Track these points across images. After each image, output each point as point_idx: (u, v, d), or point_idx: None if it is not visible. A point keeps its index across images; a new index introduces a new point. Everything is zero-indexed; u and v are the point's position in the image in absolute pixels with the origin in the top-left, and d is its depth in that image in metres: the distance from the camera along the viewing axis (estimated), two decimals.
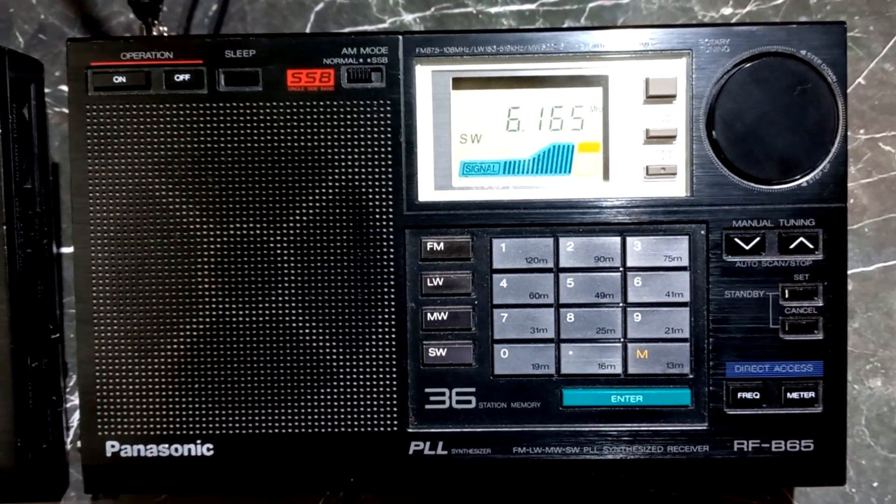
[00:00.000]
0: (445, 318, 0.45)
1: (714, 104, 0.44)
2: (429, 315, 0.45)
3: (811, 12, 0.57)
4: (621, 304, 0.45)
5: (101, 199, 0.45)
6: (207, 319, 0.45)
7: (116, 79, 0.44)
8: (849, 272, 0.53)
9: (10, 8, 0.58)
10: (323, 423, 0.45)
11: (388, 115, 0.44)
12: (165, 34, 0.50)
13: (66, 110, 0.56)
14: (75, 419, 0.56)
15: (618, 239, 0.45)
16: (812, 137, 0.44)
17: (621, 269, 0.45)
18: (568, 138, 0.46)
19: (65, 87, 0.57)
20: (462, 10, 0.58)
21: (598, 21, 0.58)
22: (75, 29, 0.58)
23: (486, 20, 0.58)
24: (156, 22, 0.49)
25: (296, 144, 0.44)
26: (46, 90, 0.54)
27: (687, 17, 0.58)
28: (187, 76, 0.45)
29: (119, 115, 0.45)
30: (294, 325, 0.45)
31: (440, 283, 0.45)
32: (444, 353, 0.45)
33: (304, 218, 0.45)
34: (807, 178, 0.44)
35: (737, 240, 0.44)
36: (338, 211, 0.45)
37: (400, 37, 0.44)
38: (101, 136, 0.45)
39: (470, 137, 0.46)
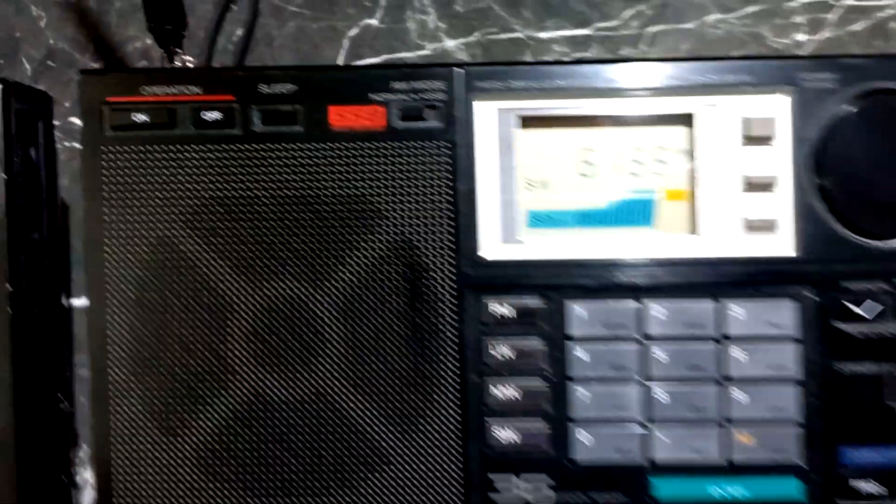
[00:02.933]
0: (514, 393, 0.39)
1: (822, 147, 0.38)
2: (494, 390, 0.39)
3: (888, 38, 0.51)
4: (719, 380, 0.39)
5: (119, 252, 0.39)
6: (241, 394, 0.39)
7: (136, 116, 0.39)
8: None
9: (17, 32, 0.53)
10: None
11: (447, 159, 0.39)
12: (189, 64, 0.45)
13: (76, 145, 0.51)
14: (87, 498, 0.50)
15: (712, 304, 0.39)
16: None
17: (718, 338, 0.39)
18: (650, 185, 0.40)
19: (76, 120, 0.51)
20: (510, 35, 0.53)
21: (658, 47, 0.52)
22: (87, 55, 0.52)
23: (537, 46, 0.53)
24: (178, 50, 0.44)
25: (341, 192, 0.39)
26: (55, 122, 0.49)
27: (757, 44, 0.52)
28: (218, 114, 0.39)
29: (140, 158, 0.39)
30: (340, 400, 0.39)
31: (507, 354, 0.39)
32: (512, 435, 0.38)
33: (351, 277, 0.39)
34: None
35: (851, 305, 0.38)
36: (389, 269, 0.39)
37: (460, 69, 0.39)
38: (120, 181, 0.39)
39: (538, 183, 0.40)
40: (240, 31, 0.52)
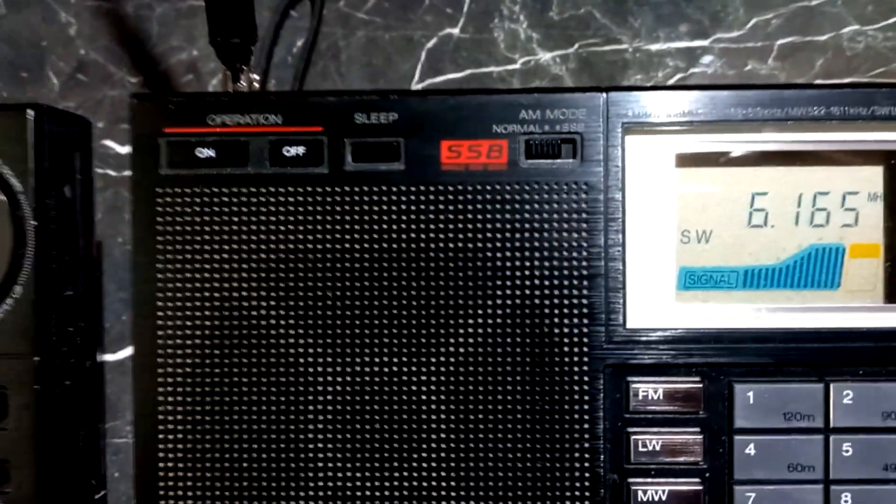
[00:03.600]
0: (665, 498, 0.32)
1: None
2: (641, 494, 0.31)
3: None
4: None
5: (175, 317, 0.31)
6: (322, 492, 0.32)
7: (201, 151, 0.32)
8: None
9: (43, 41, 0.45)
10: None
11: (584, 204, 0.31)
12: (256, 85, 0.37)
13: (111, 172, 0.44)
14: None
15: None
16: None
17: None
18: (836, 238, 0.33)
19: (110, 143, 0.44)
20: (614, 46, 0.45)
21: (789, 62, 0.45)
22: (123, 69, 0.45)
23: (646, 60, 0.46)
24: (244, 68, 0.37)
25: (452, 245, 0.31)
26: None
27: None
28: (301, 149, 0.32)
29: (203, 203, 0.31)
30: (447, 501, 0.32)
31: (657, 448, 0.31)
32: None
33: (460, 350, 0.31)
34: None
35: None
36: (509, 341, 0.31)
37: (603, 95, 0.32)
38: (178, 229, 0.31)
39: (696, 235, 0.33)
40: (300, 42, 0.45)
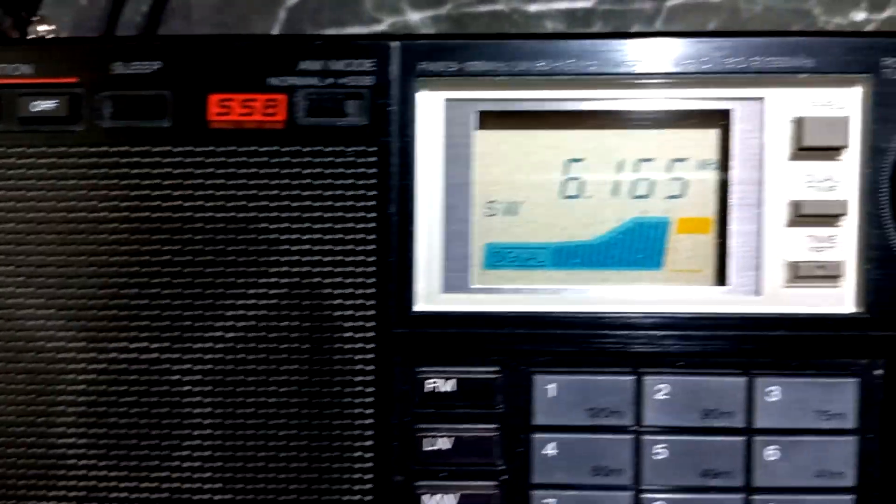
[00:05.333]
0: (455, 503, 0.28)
1: None
2: (427, 499, 0.28)
3: None
4: (743, 491, 0.27)
5: None
6: (74, 492, 0.28)
7: None
8: None
9: None
10: None
11: (373, 171, 0.27)
12: (50, 37, 0.33)
13: None
14: None
15: (742, 381, 0.27)
16: None
17: (746, 431, 0.28)
18: (661, 210, 0.29)
19: None
20: (490, 7, 0.41)
21: (679, 25, 0.41)
22: None
23: (524, 23, 0.41)
24: (34, 19, 0.33)
25: (221, 215, 0.27)
26: None
27: (804, 24, 0.41)
28: (53, 103, 0.28)
29: None
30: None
31: (447, 447, 0.28)
32: None
33: (228, 335, 0.27)
34: None
35: None
36: (283, 325, 0.27)
37: (395, 43, 0.28)
38: None
39: (503, 207, 0.29)
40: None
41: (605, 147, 0.28)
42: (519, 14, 0.42)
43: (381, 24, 0.42)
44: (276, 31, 0.42)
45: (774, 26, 0.41)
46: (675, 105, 0.28)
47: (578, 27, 0.42)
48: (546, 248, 0.28)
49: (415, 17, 0.42)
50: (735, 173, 0.27)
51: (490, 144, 0.28)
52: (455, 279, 0.28)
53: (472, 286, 0.28)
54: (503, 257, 0.28)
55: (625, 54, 0.27)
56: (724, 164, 0.28)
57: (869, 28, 0.41)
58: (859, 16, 0.41)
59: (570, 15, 0.42)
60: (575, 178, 0.28)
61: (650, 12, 0.42)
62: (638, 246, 0.28)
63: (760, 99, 0.27)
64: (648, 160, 0.28)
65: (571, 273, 0.28)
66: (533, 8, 0.42)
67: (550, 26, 0.42)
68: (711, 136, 0.28)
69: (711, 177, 0.28)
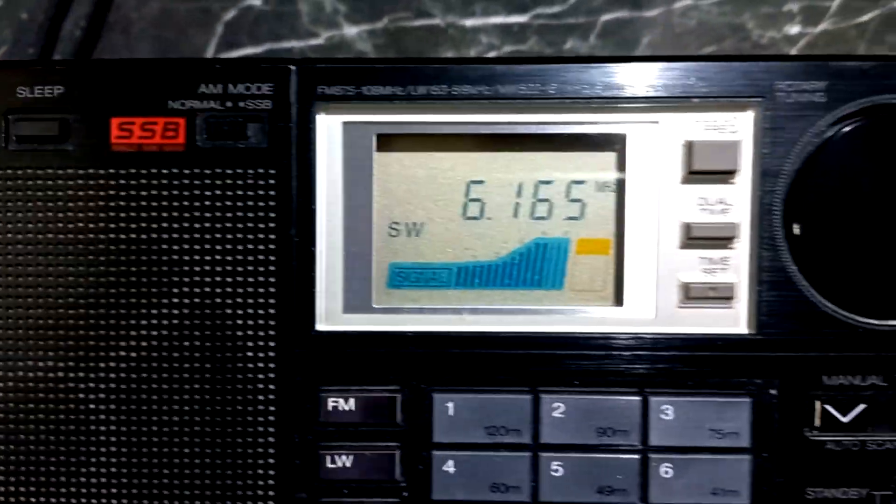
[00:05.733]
0: None
1: (799, 186, 0.27)
2: None
3: None
4: None
5: None
6: None
7: None
8: None
9: None
10: None
11: (273, 192, 0.28)
12: None
13: None
14: None
15: (637, 400, 0.28)
16: None
17: (641, 449, 0.28)
18: (561, 232, 0.29)
19: None
20: (426, 21, 0.42)
21: (613, 40, 0.41)
22: None
23: (459, 37, 0.42)
24: None
25: (124, 237, 0.28)
26: None
27: (737, 38, 0.41)
28: None
29: None
30: None
31: (348, 465, 0.28)
32: None
33: (132, 355, 0.28)
34: None
35: (829, 406, 0.28)
36: (186, 345, 0.28)
37: (293, 67, 0.28)
38: None
39: (406, 228, 0.29)
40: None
41: (505, 169, 0.28)
42: (455, 28, 0.42)
43: (318, 39, 0.42)
44: (212, 45, 0.42)
45: (709, 41, 0.41)
46: (573, 129, 0.28)
47: (513, 42, 0.42)
48: (449, 268, 0.29)
49: (352, 32, 0.42)
50: (630, 196, 0.28)
51: (390, 166, 0.28)
52: (357, 299, 0.28)
53: (375, 306, 0.29)
54: (406, 277, 0.29)
55: (521, 78, 0.27)
56: (620, 186, 0.28)
57: (804, 40, 0.41)
58: (794, 29, 0.41)
59: (506, 30, 0.42)
60: (476, 200, 0.29)
61: (585, 27, 0.42)
62: (539, 266, 0.29)
63: (655, 123, 0.28)
64: (548, 182, 0.28)
65: (474, 293, 0.29)
66: (469, 23, 0.42)
67: (486, 41, 0.42)
68: (609, 158, 0.28)
69: (609, 199, 0.28)
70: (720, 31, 0.42)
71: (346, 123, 0.28)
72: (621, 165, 0.28)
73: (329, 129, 0.28)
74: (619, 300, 0.28)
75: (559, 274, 0.29)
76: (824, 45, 0.41)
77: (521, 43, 0.42)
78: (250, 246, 0.28)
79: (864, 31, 0.41)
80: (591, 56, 0.34)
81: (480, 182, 0.29)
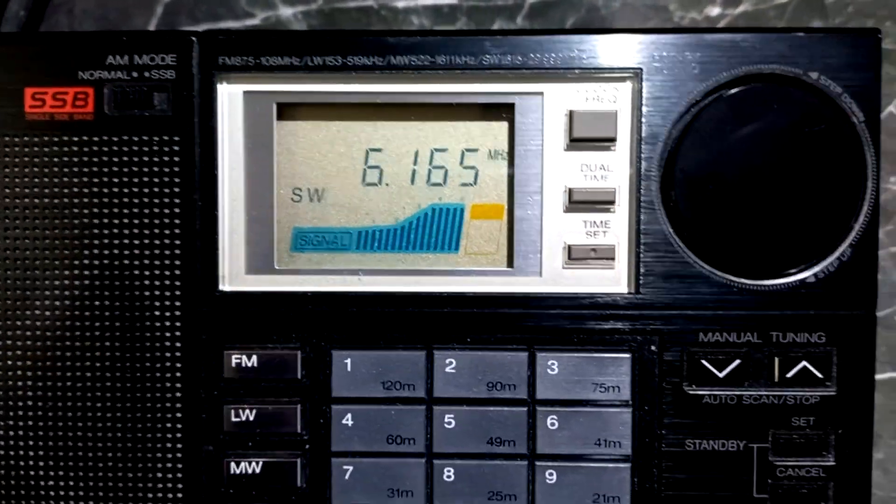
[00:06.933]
0: (260, 471, 0.30)
1: (675, 153, 0.29)
2: (235, 467, 0.30)
3: (827, 16, 0.41)
4: (527, 458, 0.30)
5: None
6: None
7: None
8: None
9: None
10: None
11: (177, 159, 0.29)
12: None
13: None
14: None
15: (524, 355, 0.29)
16: (825, 207, 0.29)
17: (529, 402, 0.29)
18: (456, 198, 0.30)
19: None
20: (360, 2, 0.43)
21: (539, 21, 0.43)
22: None
23: (391, 18, 0.43)
24: None
25: (38, 201, 0.29)
26: None
27: (660, 20, 0.43)
28: None
29: None
30: (32, 477, 0.30)
31: (251, 419, 0.30)
32: None
33: (44, 314, 0.29)
34: (815, 269, 0.29)
35: (705, 362, 0.29)
36: (96, 304, 0.29)
37: (194, 39, 0.29)
38: None
39: (308, 194, 0.31)
40: None
41: (402, 137, 0.30)
42: (387, 10, 0.43)
43: (255, 19, 0.43)
44: (153, 25, 0.44)
45: (632, 21, 0.43)
46: (465, 99, 0.29)
47: (444, 23, 0.43)
48: (350, 232, 0.30)
49: (287, 12, 0.43)
50: (519, 162, 0.30)
51: (291, 134, 0.30)
52: (259, 261, 0.30)
53: (277, 267, 0.30)
54: (309, 241, 0.30)
55: (412, 49, 0.29)
56: (511, 154, 0.30)
57: (724, 21, 0.43)
58: (714, 11, 0.43)
59: (436, 11, 0.43)
60: (375, 167, 0.30)
61: (512, 8, 0.43)
62: (435, 231, 0.30)
63: (540, 94, 0.29)
64: (442, 150, 0.30)
65: (374, 256, 0.30)
66: (401, 4, 0.44)
67: (417, 22, 0.43)
68: (500, 127, 0.30)
69: (501, 166, 0.30)
70: (644, 13, 0.43)
71: (246, 93, 0.29)
72: (511, 134, 0.30)
73: (230, 97, 0.29)
74: (511, 262, 0.30)
75: (455, 238, 0.30)
76: (744, 25, 0.42)
77: (450, 24, 0.43)
78: (156, 210, 0.29)
79: (783, 13, 0.42)
80: (479, 30, 0.36)
81: (378, 150, 0.30)
